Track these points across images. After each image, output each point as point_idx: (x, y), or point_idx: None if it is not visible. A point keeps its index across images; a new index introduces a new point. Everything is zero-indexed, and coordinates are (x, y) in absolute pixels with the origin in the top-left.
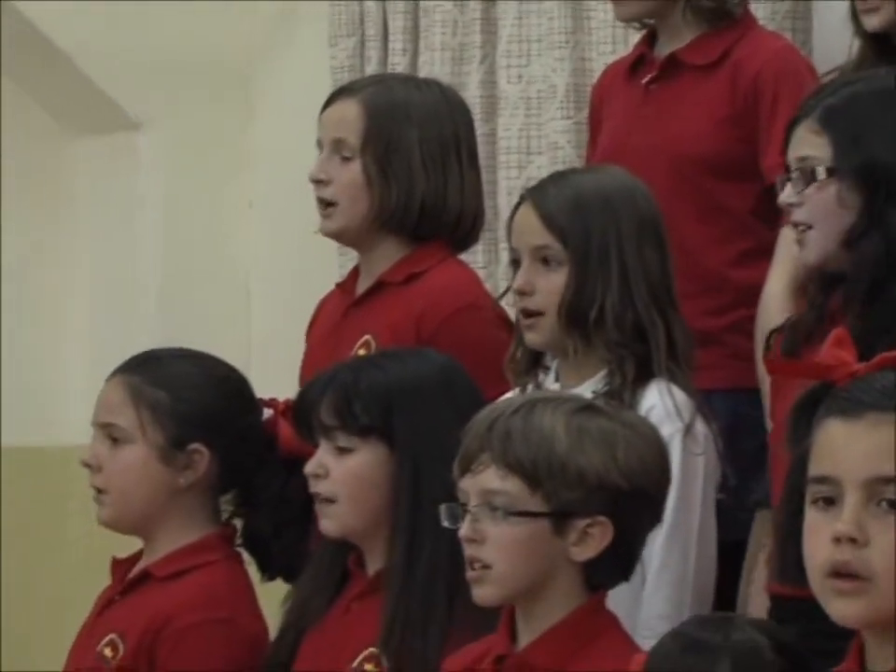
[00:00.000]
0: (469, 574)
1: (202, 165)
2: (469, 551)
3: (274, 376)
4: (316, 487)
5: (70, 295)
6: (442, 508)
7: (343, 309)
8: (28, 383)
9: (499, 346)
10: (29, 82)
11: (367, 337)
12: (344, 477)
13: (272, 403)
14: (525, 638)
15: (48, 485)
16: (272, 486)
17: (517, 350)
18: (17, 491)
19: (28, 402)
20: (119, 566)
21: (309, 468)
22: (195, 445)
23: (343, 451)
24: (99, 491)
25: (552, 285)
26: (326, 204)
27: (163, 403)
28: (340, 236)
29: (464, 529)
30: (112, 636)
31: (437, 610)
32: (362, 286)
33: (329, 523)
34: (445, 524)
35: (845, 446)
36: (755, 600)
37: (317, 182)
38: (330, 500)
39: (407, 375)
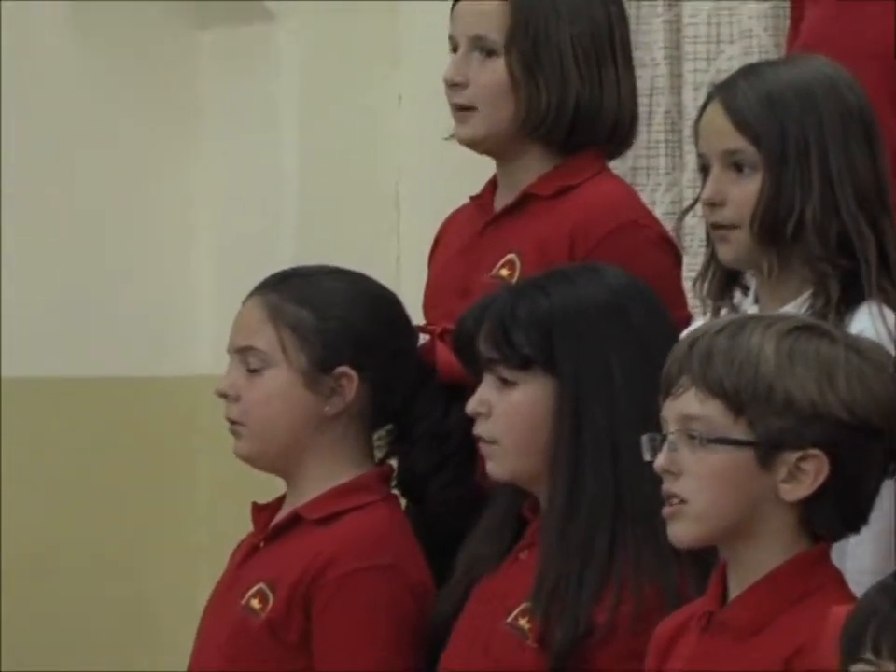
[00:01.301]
0: (665, 510)
1: (344, 59)
2: (665, 485)
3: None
4: (478, 428)
5: (196, 207)
6: (644, 439)
7: (479, 226)
8: (150, 308)
9: (663, 270)
10: None
11: (511, 255)
12: (507, 413)
13: (427, 328)
14: (734, 592)
15: (173, 419)
16: (430, 419)
17: (709, 268)
18: (140, 425)
19: (150, 329)
20: (261, 512)
21: (471, 405)
22: (342, 368)
23: (505, 385)
24: (236, 423)
25: (745, 193)
26: (463, 109)
27: (306, 322)
28: (478, 144)
29: (660, 459)
30: (260, 585)
31: (594, 564)
32: (502, 200)
33: (495, 465)
34: (646, 457)
35: None
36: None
37: (453, 85)
38: (494, 441)
39: (572, 298)
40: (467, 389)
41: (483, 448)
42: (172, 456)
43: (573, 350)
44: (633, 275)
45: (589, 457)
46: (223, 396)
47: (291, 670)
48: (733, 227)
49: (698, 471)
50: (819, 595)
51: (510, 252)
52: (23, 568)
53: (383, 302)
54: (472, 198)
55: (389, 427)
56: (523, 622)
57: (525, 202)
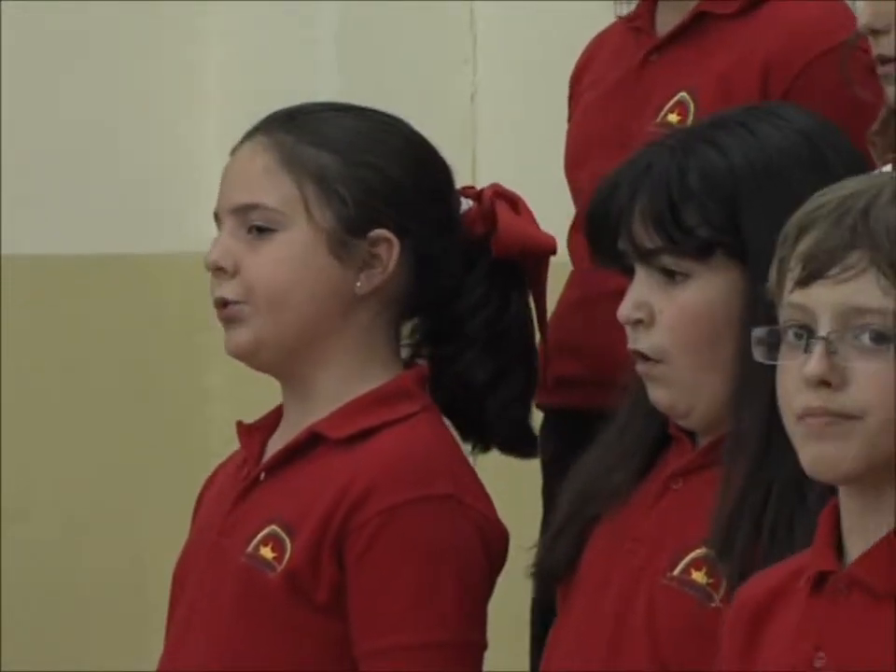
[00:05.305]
0: (811, 421)
1: None
2: (812, 399)
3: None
4: (638, 342)
5: (206, 52)
6: (758, 334)
7: (637, 56)
8: (157, 176)
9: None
10: None
11: (682, 94)
12: (680, 317)
13: (469, 191)
14: (856, 546)
15: (185, 298)
16: (485, 310)
17: (889, 114)
18: (150, 305)
19: (158, 203)
20: (252, 433)
21: (624, 310)
22: (380, 231)
23: (673, 279)
24: (232, 304)
25: None
26: None
27: (334, 170)
28: None
29: (813, 365)
30: (271, 528)
31: (808, 498)
32: (666, 20)
33: (665, 392)
34: (759, 356)
35: None
36: None
37: None
38: (661, 359)
39: (756, 151)
40: (525, 272)
41: (646, 370)
42: (184, 342)
43: (767, 222)
44: (822, 117)
45: None
46: (217, 270)
47: (321, 640)
48: None
49: (878, 386)
50: None
51: (681, 90)
52: (23, 449)
53: (424, 151)
54: (623, 19)
55: (416, 321)
56: (697, 574)
57: (699, 23)
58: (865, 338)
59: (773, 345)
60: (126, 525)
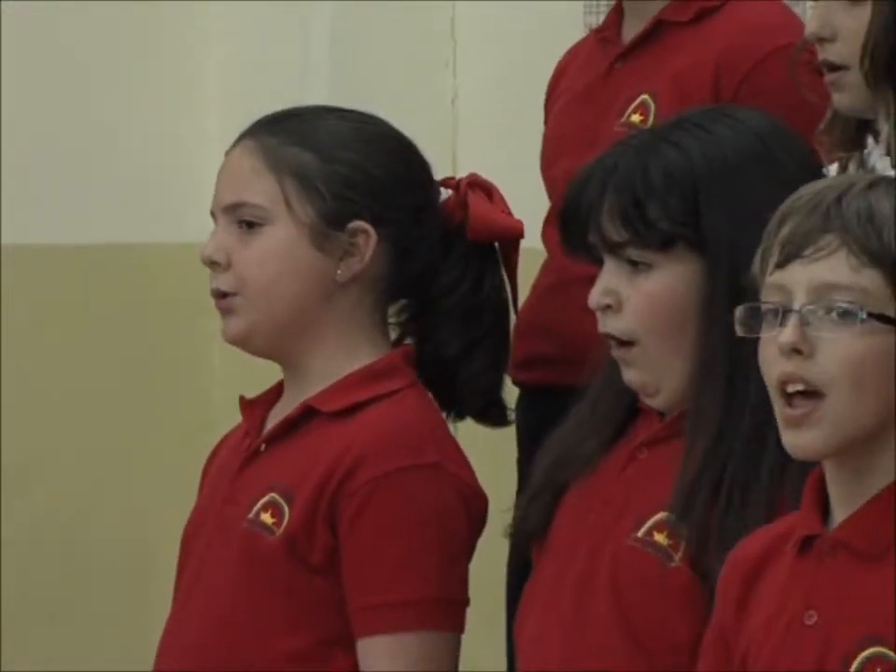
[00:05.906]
0: (788, 413)
1: None
2: (787, 367)
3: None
4: (607, 325)
5: (206, 49)
6: (740, 311)
7: (605, 64)
8: (157, 175)
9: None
10: None
11: (644, 97)
12: (644, 304)
13: (449, 182)
14: (842, 511)
15: (181, 286)
16: (459, 289)
17: (835, 115)
18: (148, 293)
19: (161, 199)
20: (253, 407)
21: (594, 298)
22: (358, 223)
23: (637, 269)
24: (227, 296)
25: (856, 24)
26: None
27: (312, 167)
28: None
29: (787, 334)
30: (271, 496)
31: (762, 470)
32: (631, 30)
33: (635, 372)
34: (740, 332)
35: None
36: None
37: None
38: (630, 342)
39: (713, 149)
40: (500, 253)
41: (620, 354)
42: (183, 328)
43: (724, 216)
44: (775, 118)
45: (751, 345)
46: (212, 264)
47: (316, 599)
48: (844, 68)
49: (843, 355)
50: None
51: (642, 93)
52: (25, 434)
53: (400, 146)
54: (594, 30)
55: (404, 302)
56: (659, 537)
57: (658, 31)
58: (834, 311)
59: (753, 324)
60: (129, 505)
